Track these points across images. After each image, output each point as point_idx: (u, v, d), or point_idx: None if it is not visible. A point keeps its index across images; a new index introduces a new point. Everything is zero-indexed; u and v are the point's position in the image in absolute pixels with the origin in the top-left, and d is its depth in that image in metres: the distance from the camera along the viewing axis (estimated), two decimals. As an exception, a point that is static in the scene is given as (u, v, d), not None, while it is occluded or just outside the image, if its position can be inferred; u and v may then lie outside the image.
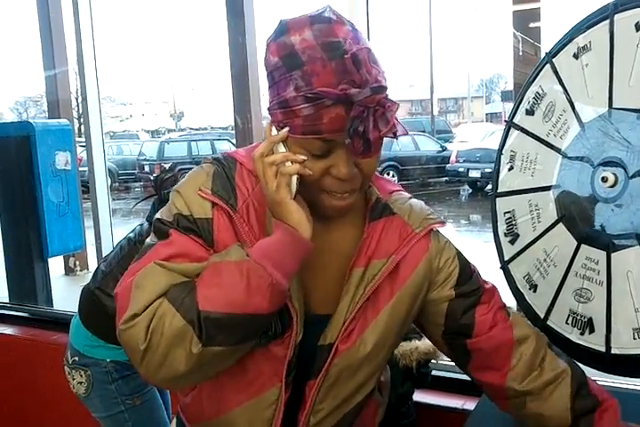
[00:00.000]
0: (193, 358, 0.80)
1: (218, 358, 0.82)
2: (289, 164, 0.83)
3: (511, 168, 1.36)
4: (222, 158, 0.94)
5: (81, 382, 1.62)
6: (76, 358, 1.62)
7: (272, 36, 0.85)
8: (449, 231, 1.08)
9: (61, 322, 2.67)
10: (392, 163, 13.11)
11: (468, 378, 1.71)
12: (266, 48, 0.86)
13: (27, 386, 2.68)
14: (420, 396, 1.62)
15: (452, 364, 1.79)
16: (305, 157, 0.83)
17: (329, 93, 0.78)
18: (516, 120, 1.37)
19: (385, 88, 0.80)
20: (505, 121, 1.42)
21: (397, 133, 0.83)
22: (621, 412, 0.99)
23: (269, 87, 0.86)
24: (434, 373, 1.72)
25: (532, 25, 4.53)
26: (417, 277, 0.95)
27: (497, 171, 1.39)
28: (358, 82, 0.78)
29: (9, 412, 2.79)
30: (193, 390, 0.98)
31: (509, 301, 1.14)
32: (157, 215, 0.92)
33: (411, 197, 1.02)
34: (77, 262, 5.79)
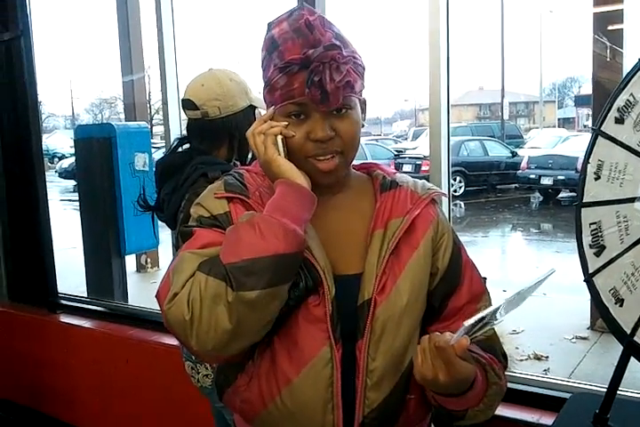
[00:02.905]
0: (232, 309, 0.87)
1: (255, 307, 0.89)
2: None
3: (598, 178, 1.32)
4: (231, 173, 1.07)
5: (207, 375, 1.64)
6: None
7: (263, 38, 0.99)
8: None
9: (137, 318, 2.78)
10: (459, 168, 12.85)
11: (544, 392, 1.69)
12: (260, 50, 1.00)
13: (104, 379, 2.79)
14: (493, 408, 1.59)
15: (528, 377, 1.77)
16: (286, 123, 0.96)
17: (294, 60, 0.91)
18: (604, 128, 1.32)
19: (337, 46, 0.92)
20: (592, 128, 1.37)
21: (357, 88, 0.95)
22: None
23: (263, 79, 0.99)
24: (507, 385, 1.69)
25: (610, 27, 4.38)
26: (429, 235, 1.04)
27: (582, 180, 1.35)
28: (312, 42, 0.92)
29: (87, 401, 2.91)
30: (250, 382, 1.01)
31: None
32: (181, 227, 1.04)
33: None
34: (149, 260, 5.99)
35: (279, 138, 0.96)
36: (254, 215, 0.93)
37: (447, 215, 1.93)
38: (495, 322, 0.86)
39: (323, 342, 0.96)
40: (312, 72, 0.91)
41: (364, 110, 1.02)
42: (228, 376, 1.05)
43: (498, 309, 0.82)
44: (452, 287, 1.05)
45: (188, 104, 1.64)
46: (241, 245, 0.90)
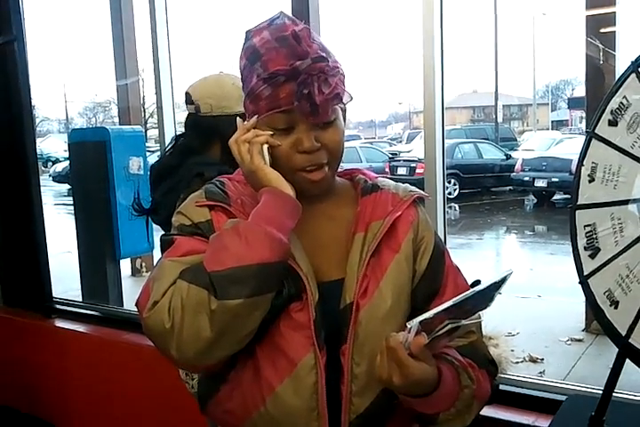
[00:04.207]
0: (214, 317, 0.86)
1: (238, 316, 0.88)
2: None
3: (592, 180, 1.32)
4: (213, 181, 1.07)
5: None
6: None
7: (242, 46, 0.99)
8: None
9: (132, 322, 2.76)
10: (453, 171, 12.87)
11: (540, 394, 1.69)
12: (239, 59, 1.00)
13: (99, 383, 2.78)
14: (488, 411, 1.59)
15: (523, 379, 1.77)
16: (271, 132, 0.95)
17: (280, 71, 0.91)
18: (597, 131, 1.33)
19: (324, 58, 0.92)
20: (586, 131, 1.38)
21: (344, 100, 0.96)
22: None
23: (242, 89, 0.99)
24: (503, 388, 1.69)
25: (603, 30, 4.40)
26: (410, 237, 1.03)
27: (577, 182, 1.35)
28: (300, 54, 0.91)
29: (82, 406, 2.90)
30: (233, 392, 0.99)
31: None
32: (162, 236, 1.03)
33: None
34: (144, 264, 5.96)
35: (265, 147, 0.96)
36: (239, 223, 0.92)
37: (442, 218, 1.94)
38: (465, 322, 0.85)
39: (307, 349, 0.95)
40: (301, 84, 0.90)
41: (344, 118, 1.02)
42: (210, 387, 1.03)
43: (447, 308, 0.81)
44: (433, 289, 1.04)
45: (186, 97, 1.70)
46: (226, 252, 0.89)
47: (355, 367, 0.96)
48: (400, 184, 1.10)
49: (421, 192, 1.09)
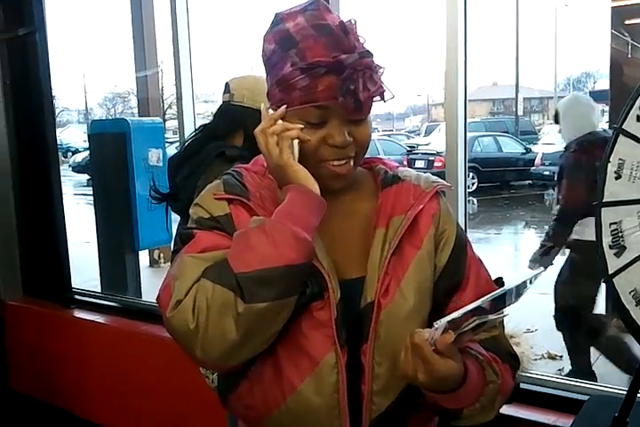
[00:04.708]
0: (240, 320, 0.85)
1: (264, 318, 0.86)
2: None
3: (619, 177, 1.29)
4: (230, 171, 1.04)
5: None
6: None
7: (268, 29, 0.95)
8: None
9: (150, 313, 2.78)
10: (472, 164, 12.72)
11: (562, 393, 1.67)
12: (262, 41, 0.96)
13: (118, 374, 2.81)
14: (509, 409, 1.57)
15: (544, 378, 1.75)
16: (302, 126, 0.91)
17: (322, 62, 0.87)
18: (625, 127, 1.30)
19: (371, 53, 0.90)
20: (613, 127, 1.35)
21: (386, 97, 0.93)
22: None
23: (267, 74, 0.95)
24: (524, 386, 1.67)
25: (628, 22, 4.31)
26: (431, 232, 1.01)
27: (603, 179, 1.32)
28: (347, 47, 0.88)
29: (100, 396, 2.92)
30: (253, 388, 0.98)
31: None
32: (181, 229, 0.99)
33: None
34: (162, 255, 5.99)
35: (295, 142, 0.92)
36: (265, 222, 0.89)
37: (463, 212, 1.92)
38: (492, 317, 0.84)
39: (328, 348, 0.93)
40: (346, 80, 0.87)
41: None
42: (230, 382, 1.02)
43: (478, 307, 0.80)
44: (455, 282, 1.02)
45: (225, 87, 1.79)
46: (252, 253, 0.87)
47: (376, 367, 0.95)
48: (421, 174, 1.07)
49: (444, 182, 1.06)
